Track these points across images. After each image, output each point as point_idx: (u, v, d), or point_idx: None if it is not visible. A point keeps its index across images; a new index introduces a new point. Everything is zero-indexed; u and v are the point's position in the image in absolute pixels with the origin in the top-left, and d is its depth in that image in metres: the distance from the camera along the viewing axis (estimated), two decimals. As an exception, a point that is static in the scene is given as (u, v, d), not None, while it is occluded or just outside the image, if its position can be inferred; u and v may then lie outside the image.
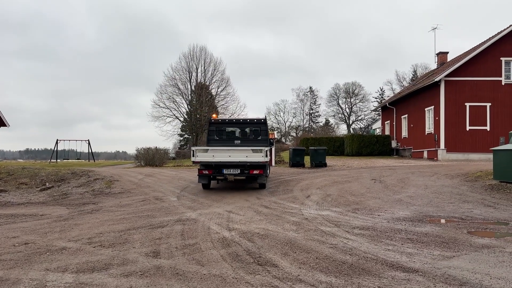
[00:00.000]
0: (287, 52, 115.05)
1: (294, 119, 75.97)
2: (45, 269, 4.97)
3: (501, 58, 24.30)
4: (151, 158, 25.88)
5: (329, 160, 24.16)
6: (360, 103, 74.07)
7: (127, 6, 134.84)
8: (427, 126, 26.60)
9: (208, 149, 12.34)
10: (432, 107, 25.74)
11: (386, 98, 56.87)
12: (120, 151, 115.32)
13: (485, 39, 26.08)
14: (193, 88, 47.79)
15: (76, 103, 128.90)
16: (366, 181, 13.96)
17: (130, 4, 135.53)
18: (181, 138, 58.67)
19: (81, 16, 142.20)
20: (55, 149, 41.50)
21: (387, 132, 35.04)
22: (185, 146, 55.77)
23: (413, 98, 29.28)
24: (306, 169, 20.19)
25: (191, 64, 47.47)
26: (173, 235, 6.79)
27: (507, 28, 24.22)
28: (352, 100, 74.12)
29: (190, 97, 48.24)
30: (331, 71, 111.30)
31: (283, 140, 65.10)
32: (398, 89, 62.73)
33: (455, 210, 8.96)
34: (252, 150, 12.09)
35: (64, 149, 44.63)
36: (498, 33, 24.61)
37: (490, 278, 4.37)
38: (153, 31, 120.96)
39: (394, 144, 31.94)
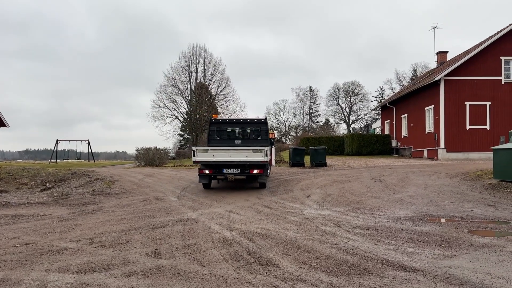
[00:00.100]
0: (287, 52, 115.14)
1: (294, 118, 76.05)
2: (46, 269, 4.97)
3: (501, 57, 24.29)
4: (151, 158, 25.88)
5: (329, 160, 24.16)
6: (360, 103, 74.12)
7: (127, 6, 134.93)
8: (427, 125, 26.60)
9: (208, 149, 12.37)
10: (432, 106, 25.74)
11: (386, 98, 56.87)
12: (120, 151, 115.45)
13: (485, 38, 26.08)
14: (192, 88, 47.77)
15: (76, 103, 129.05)
16: (366, 181, 13.97)
17: (130, 4, 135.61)
18: (181, 138, 58.70)
19: (81, 16, 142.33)
20: (55, 149, 41.53)
21: (387, 132, 35.04)
22: (185, 146, 55.80)
23: (413, 97, 29.28)
24: (306, 168, 20.20)
25: (190, 64, 47.48)
26: (174, 235, 6.79)
27: (507, 27, 24.22)
28: (352, 99, 74.13)
29: (190, 97, 48.23)
30: (331, 70, 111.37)
31: (283, 140, 65.12)
32: (398, 89, 62.74)
33: (456, 210, 8.97)
34: (252, 149, 12.11)
35: (64, 149, 44.73)
36: (498, 32, 24.60)
37: (491, 278, 4.38)
38: (153, 31, 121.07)
39: (394, 143, 31.94)
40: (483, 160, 21.66)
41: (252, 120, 15.04)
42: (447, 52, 32.64)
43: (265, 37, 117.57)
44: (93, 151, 43.69)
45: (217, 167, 12.39)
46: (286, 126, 75.02)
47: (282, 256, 5.36)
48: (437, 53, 32.89)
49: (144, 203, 10.98)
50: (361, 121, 74.69)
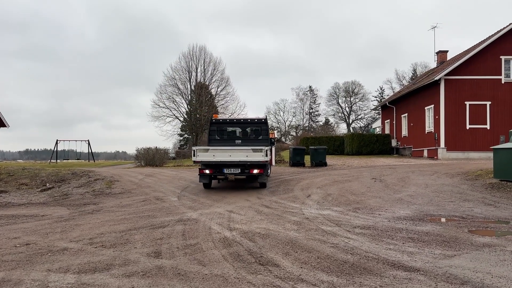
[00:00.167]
0: (287, 51, 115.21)
1: (294, 118, 76.07)
2: (46, 269, 4.97)
3: (501, 57, 24.29)
4: (151, 158, 25.88)
5: (329, 160, 24.17)
6: (360, 102, 74.14)
7: (127, 6, 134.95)
8: (427, 125, 26.60)
9: (208, 149, 12.39)
10: (432, 106, 25.74)
11: (386, 97, 56.86)
12: (120, 151, 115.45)
13: (485, 38, 26.09)
14: (192, 88, 47.77)
15: (76, 103, 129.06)
16: (366, 180, 13.97)
17: (130, 4, 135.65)
18: (181, 138, 58.72)
19: (81, 16, 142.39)
20: (55, 149, 41.54)
21: (387, 131, 35.05)
22: (185, 146, 55.81)
23: (413, 97, 29.28)
24: (306, 168, 20.20)
25: (190, 64, 47.48)
26: (174, 235, 6.79)
27: (507, 26, 24.22)
28: (352, 99, 74.15)
29: (189, 97, 48.23)
30: (331, 70, 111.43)
31: (283, 140, 65.13)
32: (397, 88, 62.75)
33: (456, 209, 8.97)
34: (252, 149, 12.12)
35: (64, 150, 44.78)
36: (498, 32, 24.60)
37: (492, 277, 4.38)
38: (153, 31, 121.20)
39: (394, 143, 31.94)
40: (483, 159, 21.67)
41: (252, 120, 15.05)
42: (447, 51, 32.65)
43: (265, 37, 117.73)
44: (93, 151, 43.75)
45: (217, 167, 12.41)
46: (286, 126, 75.09)
47: (282, 256, 5.36)
48: (437, 53, 32.89)
49: (144, 203, 10.98)
50: (361, 120, 74.79)
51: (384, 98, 63.94)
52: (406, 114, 30.73)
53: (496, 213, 8.40)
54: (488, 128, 24.06)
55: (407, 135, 30.34)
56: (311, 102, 77.09)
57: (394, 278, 4.40)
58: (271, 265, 4.95)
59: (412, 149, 28.89)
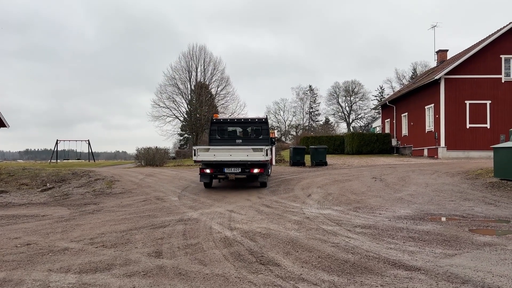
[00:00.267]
0: (287, 51, 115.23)
1: (294, 118, 76.07)
2: (47, 269, 4.98)
3: (501, 56, 24.28)
4: (151, 158, 25.88)
5: (330, 159, 24.17)
6: (360, 102, 74.12)
7: (127, 6, 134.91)
8: (427, 124, 26.60)
9: (209, 148, 12.42)
10: (432, 105, 25.74)
11: (386, 97, 56.85)
12: (120, 151, 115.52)
13: (485, 37, 26.08)
14: (192, 87, 47.75)
15: (76, 103, 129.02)
16: (366, 180, 13.97)
17: (129, 4, 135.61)
18: (181, 138, 58.75)
19: (81, 16, 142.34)
20: (55, 149, 41.53)
21: (387, 131, 35.04)
22: (185, 146, 55.83)
23: (413, 96, 29.27)
24: (306, 168, 20.20)
25: (190, 64, 47.46)
26: (175, 235, 6.80)
27: (507, 25, 24.21)
28: (352, 98, 74.12)
29: (190, 97, 48.22)
30: (331, 70, 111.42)
31: (283, 139, 65.12)
32: (398, 88, 62.74)
33: (456, 208, 8.97)
34: (252, 149, 12.15)
35: (64, 150, 44.76)
36: (498, 31, 24.59)
37: (492, 276, 4.38)
38: (153, 31, 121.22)
39: (394, 142, 31.95)
40: (483, 158, 21.66)
41: (253, 119, 15.07)
42: (447, 50, 32.63)
43: (265, 36, 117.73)
44: (93, 151, 43.73)
45: (218, 166, 12.42)
46: (286, 126, 75.10)
47: (283, 255, 5.36)
48: (437, 52, 32.87)
49: (145, 203, 10.98)
50: (361, 120, 74.80)
51: (384, 98, 63.94)
52: (406, 113, 30.73)
53: (497, 212, 8.40)
54: (488, 127, 24.05)
55: (407, 134, 30.34)
56: (311, 101, 77.11)
57: (395, 277, 4.41)
58: (272, 264, 4.96)
59: (412, 148, 28.89)
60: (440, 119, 24.47)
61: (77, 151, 45.53)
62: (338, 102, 74.98)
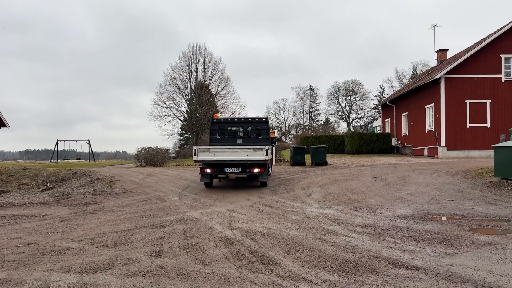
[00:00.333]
0: (287, 51, 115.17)
1: (294, 117, 76.05)
2: (48, 269, 4.98)
3: (501, 55, 24.27)
4: (151, 157, 25.88)
5: (330, 159, 24.17)
6: (360, 101, 74.10)
7: (127, 6, 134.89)
8: (427, 123, 26.60)
9: (210, 148, 12.44)
10: (432, 104, 25.73)
11: (386, 96, 56.84)
12: (121, 151, 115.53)
13: (485, 36, 26.07)
14: (193, 87, 47.76)
15: (76, 103, 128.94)
16: (367, 179, 13.97)
17: (129, 4, 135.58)
18: (181, 138, 58.72)
19: (81, 16, 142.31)
20: (56, 149, 41.52)
21: (387, 130, 35.04)
22: (185, 146, 55.81)
23: (413, 95, 29.27)
24: (307, 167, 20.21)
25: (190, 64, 47.47)
26: (176, 234, 6.80)
27: (507, 25, 24.20)
28: (352, 98, 74.10)
29: (190, 97, 48.23)
30: (331, 69, 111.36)
31: (283, 139, 65.12)
32: (398, 87, 62.73)
33: (457, 208, 8.97)
34: (253, 148, 12.17)
35: (64, 149, 44.76)
36: (498, 30, 24.58)
37: (493, 275, 4.38)
38: (153, 31, 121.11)
39: (394, 142, 31.94)
40: (483, 158, 21.66)
41: (253, 119, 15.08)
42: (447, 50, 32.62)
43: (265, 36, 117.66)
44: (93, 151, 43.73)
45: (218, 166, 12.44)
46: (286, 125, 75.09)
47: (284, 255, 5.37)
48: (437, 51, 32.86)
49: (145, 203, 10.99)
50: (361, 119, 74.79)
51: (384, 97, 63.94)
52: (406, 113, 30.73)
53: (497, 212, 8.41)
54: (489, 126, 24.05)
55: (407, 134, 30.34)
56: (311, 101, 77.10)
57: (395, 276, 4.41)
58: (273, 264, 4.96)
59: (413, 148, 28.88)
60: (440, 118, 24.47)
61: (78, 151, 45.57)
62: (338, 102, 75.01)
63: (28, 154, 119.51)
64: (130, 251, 5.75)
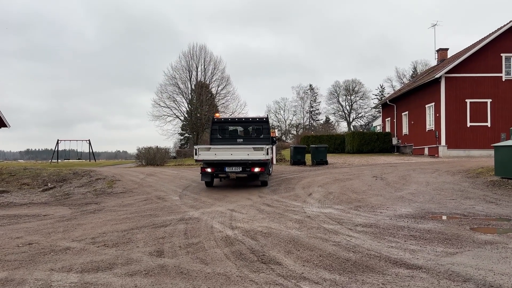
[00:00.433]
0: (287, 50, 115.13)
1: (294, 117, 75.99)
2: (49, 269, 4.99)
3: (501, 54, 24.26)
4: (152, 157, 25.88)
5: (330, 158, 24.17)
6: (360, 101, 74.00)
7: (127, 6, 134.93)
8: (427, 123, 26.59)
9: (210, 148, 12.45)
10: (433, 103, 25.72)
11: (386, 95, 56.80)
12: (121, 150, 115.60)
13: (485, 35, 26.05)
14: (193, 87, 47.71)
15: (76, 103, 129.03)
16: (367, 179, 13.97)
17: (129, 4, 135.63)
18: (182, 137, 58.69)
19: (81, 16, 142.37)
20: (56, 149, 41.51)
21: (387, 129, 35.03)
22: (185, 145, 55.81)
23: (413, 95, 29.25)
24: (307, 167, 20.20)
25: (191, 63, 47.40)
26: (176, 234, 6.81)
27: (507, 24, 24.18)
28: (352, 97, 74.01)
29: (190, 96, 48.17)
30: (331, 69, 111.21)
31: (284, 138, 65.12)
32: (398, 86, 62.68)
33: (457, 207, 8.97)
34: (253, 148, 12.18)
35: (64, 149, 44.72)
36: (498, 29, 24.56)
37: (494, 274, 4.38)
38: (153, 31, 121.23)
39: (394, 141, 31.94)
40: (484, 157, 21.65)
41: (253, 119, 15.09)
42: (447, 49, 32.58)
43: (265, 36, 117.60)
44: (93, 150, 43.72)
45: (219, 166, 12.45)
46: (286, 125, 75.04)
47: (284, 254, 5.37)
48: (438, 51, 32.82)
49: (146, 203, 11.00)
50: (362, 119, 74.74)
51: (384, 96, 63.89)
52: (406, 112, 30.71)
53: (498, 211, 8.41)
54: (489, 125, 24.04)
55: (407, 133, 30.33)
56: (311, 100, 77.06)
57: (396, 275, 4.41)
58: (274, 263, 4.96)
59: (413, 147, 28.87)
60: (441, 117, 24.46)
61: (78, 151, 45.50)
62: (338, 101, 74.95)
63: (29, 154, 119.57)
64: (131, 251, 5.76)
